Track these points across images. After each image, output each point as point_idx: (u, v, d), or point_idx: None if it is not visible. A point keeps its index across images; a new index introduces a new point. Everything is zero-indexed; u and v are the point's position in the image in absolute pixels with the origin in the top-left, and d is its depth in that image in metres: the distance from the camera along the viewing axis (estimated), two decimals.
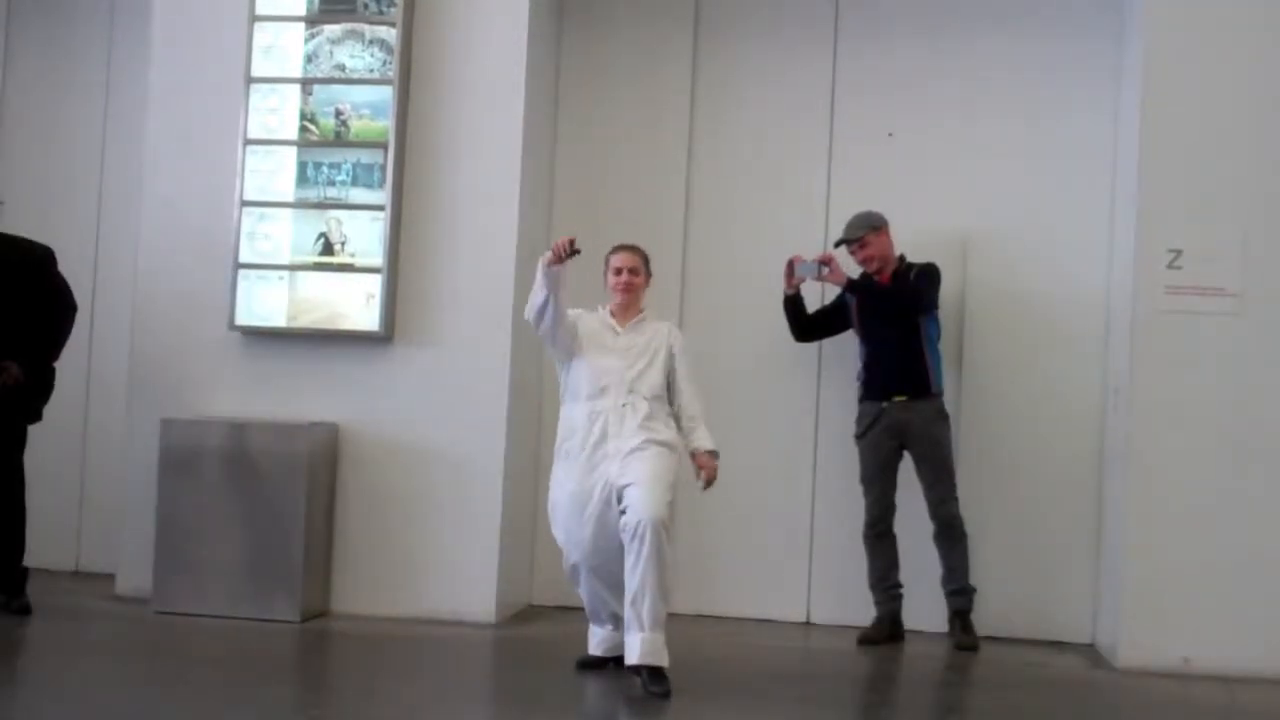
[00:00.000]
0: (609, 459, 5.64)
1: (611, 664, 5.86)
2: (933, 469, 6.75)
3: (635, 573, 5.47)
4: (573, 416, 5.78)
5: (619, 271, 5.86)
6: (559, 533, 5.83)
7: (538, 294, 5.65)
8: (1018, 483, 7.07)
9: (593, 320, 5.88)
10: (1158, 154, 6.51)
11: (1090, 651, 6.83)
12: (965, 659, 6.60)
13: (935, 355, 6.80)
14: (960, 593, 6.77)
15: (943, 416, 6.80)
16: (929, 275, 6.78)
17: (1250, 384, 6.43)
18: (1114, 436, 6.77)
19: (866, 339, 6.88)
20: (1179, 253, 6.46)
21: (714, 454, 5.77)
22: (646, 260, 5.96)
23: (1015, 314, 7.13)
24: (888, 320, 6.75)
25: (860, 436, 6.87)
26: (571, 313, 5.79)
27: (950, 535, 6.75)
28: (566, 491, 5.74)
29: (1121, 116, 6.97)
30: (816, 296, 7.10)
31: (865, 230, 6.81)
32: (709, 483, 5.77)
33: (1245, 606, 6.36)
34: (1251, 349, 6.44)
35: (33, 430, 6.80)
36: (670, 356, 5.83)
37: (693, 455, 5.77)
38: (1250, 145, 6.48)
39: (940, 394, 6.81)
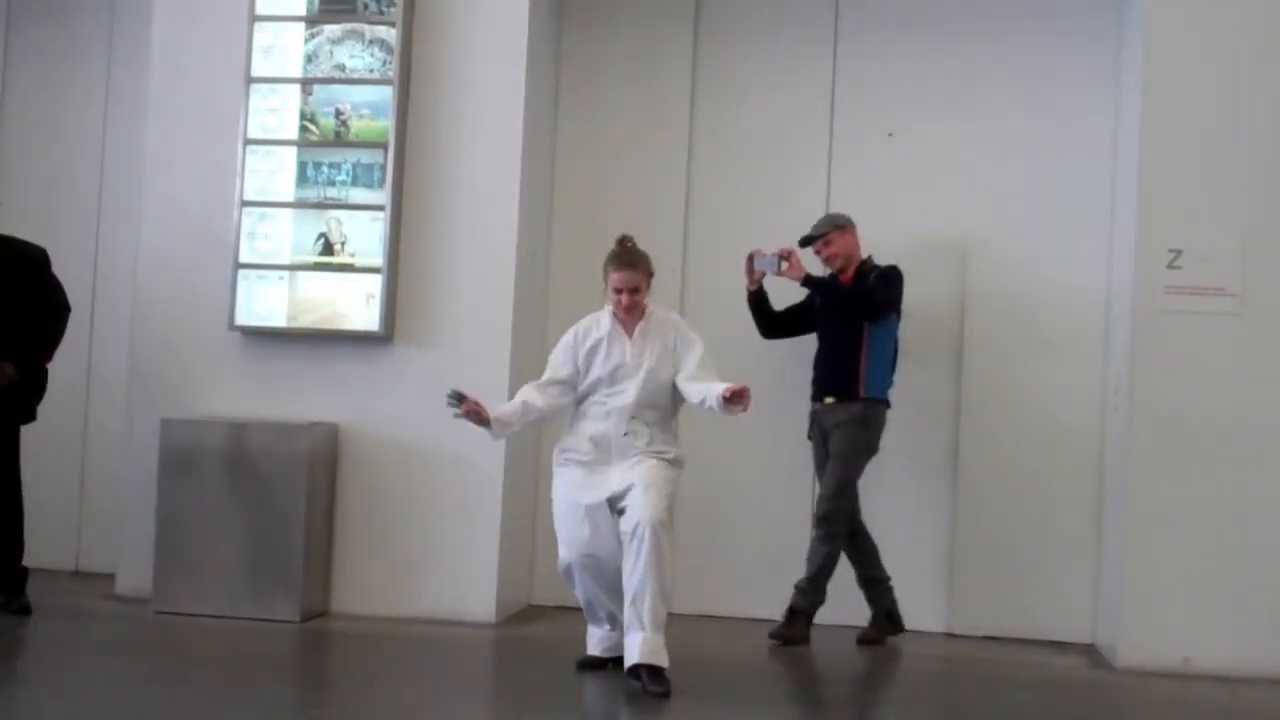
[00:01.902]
0: (610, 470, 5.69)
1: (610, 664, 5.85)
2: (829, 468, 6.71)
3: (635, 573, 5.48)
4: (578, 430, 5.80)
5: (619, 291, 5.74)
6: (557, 529, 5.84)
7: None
8: (1018, 483, 7.07)
9: (596, 329, 5.80)
10: (1158, 154, 6.51)
11: (1090, 651, 6.83)
12: (963, 660, 6.61)
13: (877, 361, 6.72)
14: (798, 591, 6.70)
15: (861, 422, 6.69)
16: (887, 277, 6.73)
17: (1250, 384, 6.43)
18: (1114, 436, 6.77)
19: (819, 338, 6.88)
20: (1179, 253, 6.46)
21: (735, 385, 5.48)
22: (649, 272, 5.82)
23: (1015, 314, 7.13)
24: (841, 320, 6.72)
25: (808, 438, 6.90)
26: (565, 346, 5.82)
27: (816, 537, 6.72)
28: (566, 494, 5.77)
29: (1121, 116, 6.97)
30: (788, 293, 7.03)
31: (829, 228, 6.80)
32: (735, 397, 5.45)
33: (1245, 606, 6.36)
34: (1251, 349, 6.44)
35: (33, 430, 6.79)
36: (675, 361, 5.74)
37: (721, 398, 5.49)
38: (1250, 145, 6.48)
39: (871, 400, 6.71)
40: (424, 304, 6.96)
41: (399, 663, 6.04)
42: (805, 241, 6.85)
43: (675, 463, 5.76)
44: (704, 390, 5.62)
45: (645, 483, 5.56)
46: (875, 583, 6.80)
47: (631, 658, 5.52)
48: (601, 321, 5.84)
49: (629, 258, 5.76)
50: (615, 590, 5.64)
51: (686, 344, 5.76)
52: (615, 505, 5.64)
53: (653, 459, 5.66)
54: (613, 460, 5.70)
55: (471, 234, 6.95)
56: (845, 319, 6.71)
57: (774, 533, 7.23)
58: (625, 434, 5.70)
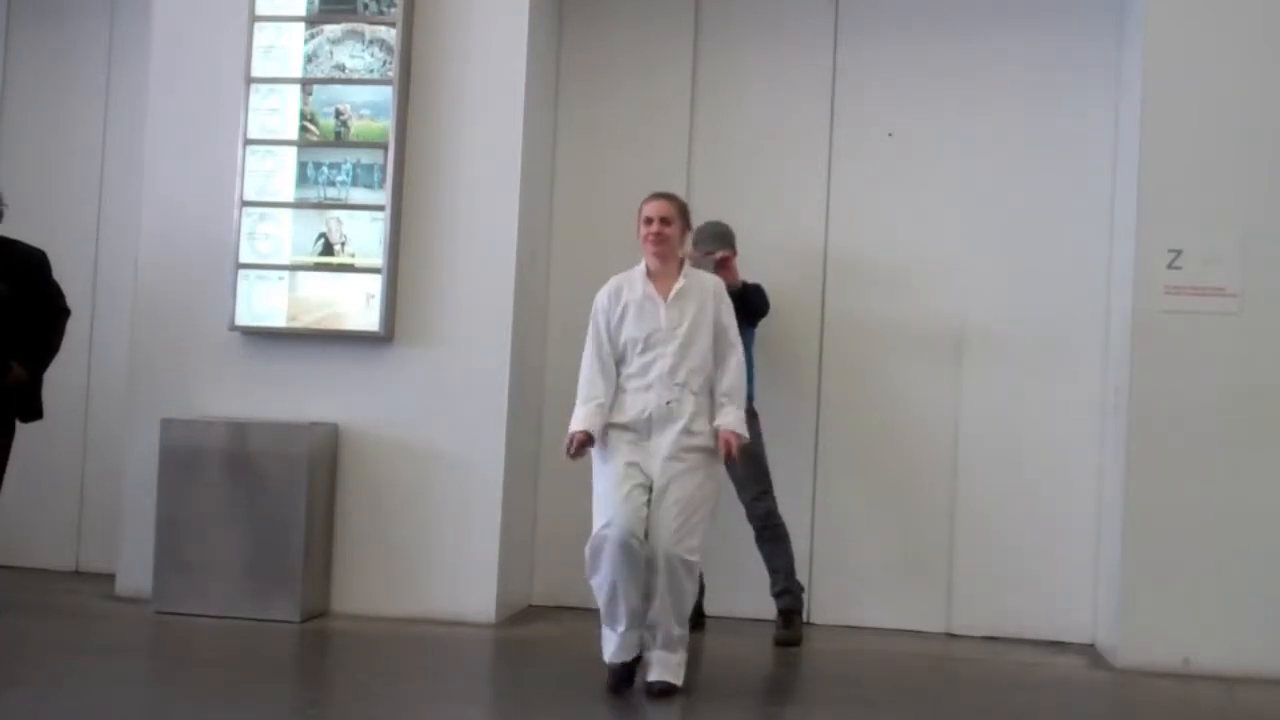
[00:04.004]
0: (650, 456, 5.44)
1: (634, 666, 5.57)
2: (742, 468, 6.60)
3: (655, 600, 5.37)
4: (620, 405, 5.52)
5: (649, 221, 5.54)
6: (602, 498, 5.45)
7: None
8: (1018, 482, 7.07)
9: (628, 289, 5.57)
10: (1158, 154, 6.51)
11: (1090, 651, 6.83)
12: (963, 660, 6.61)
13: (751, 365, 6.71)
14: (786, 593, 6.74)
15: (750, 416, 6.62)
16: (762, 291, 6.77)
17: (1250, 384, 6.42)
18: (1114, 437, 6.77)
19: None
20: (1179, 253, 6.46)
21: (738, 434, 5.49)
22: (684, 210, 5.65)
23: (1015, 313, 7.13)
24: None
25: None
26: (603, 312, 5.57)
27: (767, 536, 6.72)
28: (617, 462, 5.44)
29: (1122, 116, 6.97)
30: None
31: (730, 250, 6.70)
32: (727, 457, 5.54)
33: (1245, 606, 6.36)
34: (1251, 349, 6.43)
35: (34, 430, 6.79)
36: (717, 321, 5.56)
37: (717, 430, 5.49)
38: (1250, 145, 6.48)
39: (750, 398, 6.67)
40: (424, 304, 6.96)
41: (399, 663, 6.04)
42: (706, 253, 6.64)
43: (713, 451, 5.50)
44: (719, 407, 5.53)
45: (674, 505, 5.35)
46: None
47: (647, 675, 5.45)
48: (635, 282, 5.61)
49: (665, 192, 5.70)
50: (641, 580, 5.36)
51: (727, 316, 5.61)
52: (648, 492, 5.40)
53: (690, 458, 5.42)
54: (652, 434, 5.46)
55: (471, 234, 6.95)
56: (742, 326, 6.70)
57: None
58: (668, 403, 5.46)
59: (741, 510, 6.84)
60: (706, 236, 6.74)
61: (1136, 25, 6.68)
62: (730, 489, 6.75)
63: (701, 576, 6.85)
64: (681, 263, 5.66)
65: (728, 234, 6.82)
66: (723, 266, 6.56)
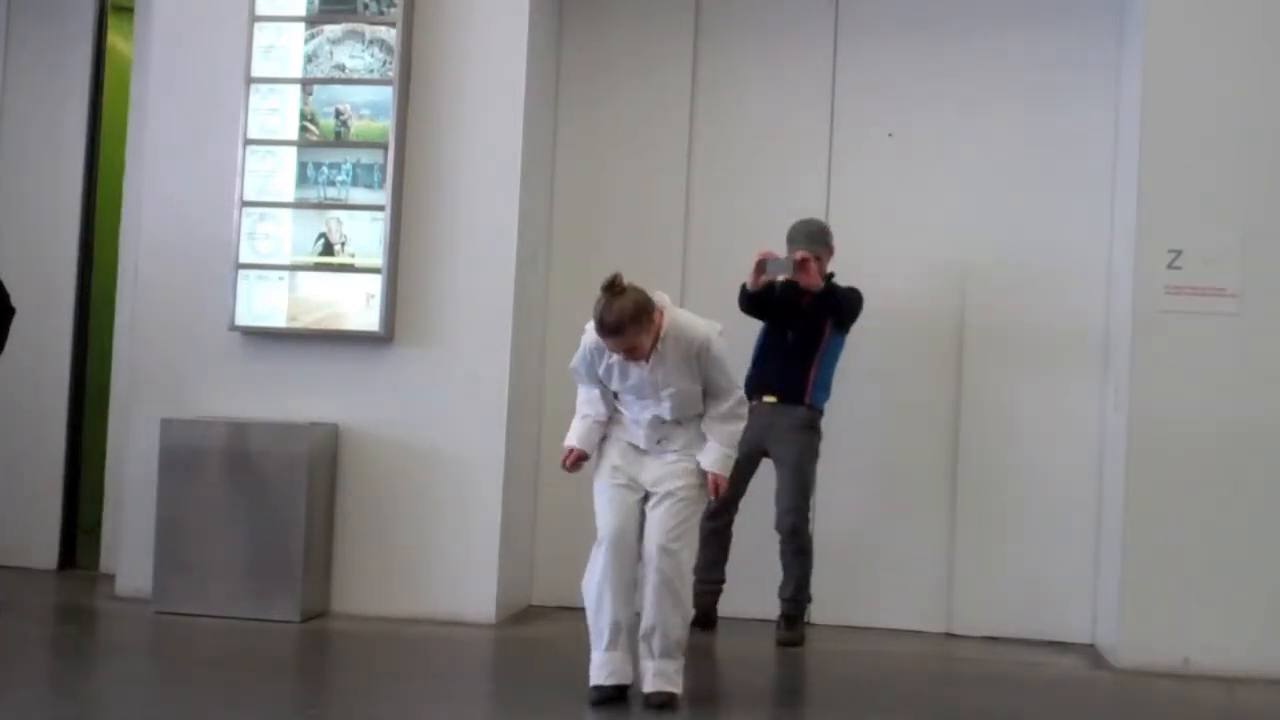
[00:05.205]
0: (644, 469, 5.44)
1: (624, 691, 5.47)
2: (785, 476, 6.64)
3: (647, 604, 5.34)
4: (617, 420, 5.54)
5: (616, 350, 5.31)
6: (599, 503, 5.47)
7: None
8: (1018, 482, 7.07)
9: (608, 353, 5.41)
10: (1158, 153, 6.51)
11: (1090, 651, 6.83)
12: (963, 660, 6.61)
13: (825, 372, 6.73)
14: (792, 600, 6.73)
15: (809, 427, 6.68)
16: (857, 294, 6.71)
17: (1250, 384, 6.42)
18: (1114, 436, 6.77)
19: (772, 335, 6.74)
20: (1179, 253, 6.46)
21: (718, 474, 5.43)
22: (640, 314, 5.23)
23: (1015, 313, 7.12)
24: (810, 326, 6.67)
25: None
26: (585, 362, 5.46)
27: (789, 549, 6.68)
28: (602, 465, 5.49)
29: (1122, 115, 6.97)
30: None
31: (824, 249, 6.68)
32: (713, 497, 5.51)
33: (1245, 606, 6.36)
34: (1251, 349, 6.44)
35: (33, 429, 6.79)
36: (704, 378, 5.42)
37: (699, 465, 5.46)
38: (1250, 145, 6.48)
39: (814, 409, 6.70)
40: (424, 304, 6.96)
41: (399, 663, 6.04)
42: (796, 249, 6.60)
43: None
44: (703, 444, 5.46)
45: (668, 501, 5.36)
46: (708, 581, 6.73)
47: (644, 685, 5.39)
48: None
49: (613, 323, 5.18)
50: (629, 584, 5.37)
51: (712, 367, 5.43)
52: (646, 498, 5.43)
53: (686, 462, 5.43)
54: (646, 457, 5.47)
55: (471, 234, 6.95)
56: (816, 326, 6.68)
57: (774, 534, 7.21)
58: (659, 441, 5.45)
59: (748, 513, 6.83)
60: (800, 236, 6.68)
61: (1136, 25, 6.68)
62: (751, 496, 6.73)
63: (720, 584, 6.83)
64: (658, 329, 5.34)
65: (820, 233, 6.70)
66: (801, 269, 6.49)
